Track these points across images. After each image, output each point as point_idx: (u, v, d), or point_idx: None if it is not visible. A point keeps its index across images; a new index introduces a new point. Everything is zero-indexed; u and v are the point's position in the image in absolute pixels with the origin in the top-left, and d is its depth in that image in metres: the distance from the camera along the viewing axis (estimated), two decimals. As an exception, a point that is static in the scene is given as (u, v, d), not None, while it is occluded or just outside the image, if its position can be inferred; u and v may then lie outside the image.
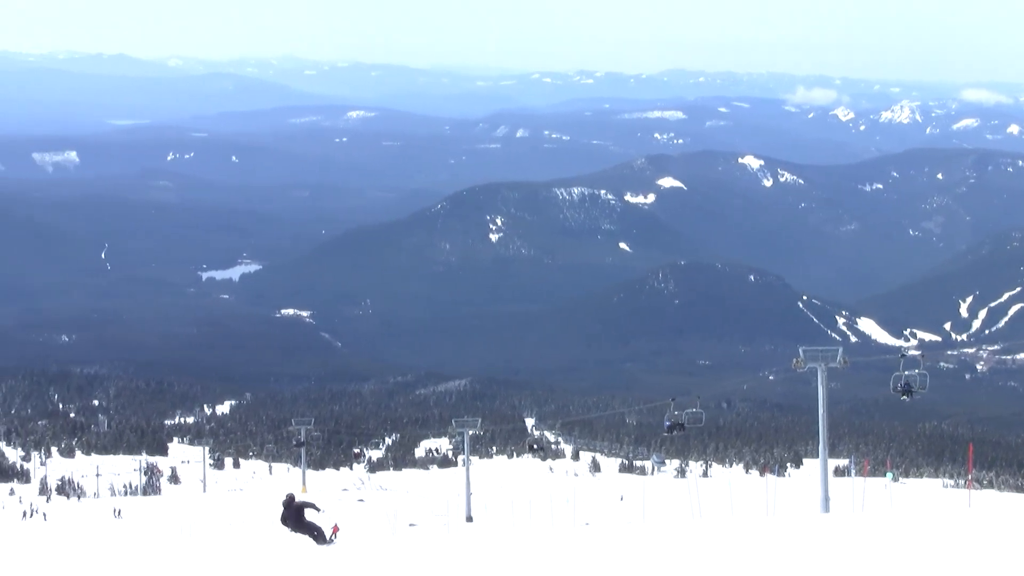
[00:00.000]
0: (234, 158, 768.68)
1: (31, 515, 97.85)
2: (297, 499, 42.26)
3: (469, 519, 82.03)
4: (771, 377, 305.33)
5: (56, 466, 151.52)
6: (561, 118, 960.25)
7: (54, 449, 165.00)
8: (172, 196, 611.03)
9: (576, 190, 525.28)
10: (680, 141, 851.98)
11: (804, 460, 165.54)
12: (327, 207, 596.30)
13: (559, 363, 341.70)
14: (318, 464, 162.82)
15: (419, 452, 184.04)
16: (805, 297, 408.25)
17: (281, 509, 42.43)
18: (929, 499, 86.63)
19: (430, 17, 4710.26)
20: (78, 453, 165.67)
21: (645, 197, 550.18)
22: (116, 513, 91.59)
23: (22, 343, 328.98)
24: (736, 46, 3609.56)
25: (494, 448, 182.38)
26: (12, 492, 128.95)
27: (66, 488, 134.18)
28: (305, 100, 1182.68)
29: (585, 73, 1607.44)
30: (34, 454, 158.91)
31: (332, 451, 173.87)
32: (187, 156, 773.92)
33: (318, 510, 43.00)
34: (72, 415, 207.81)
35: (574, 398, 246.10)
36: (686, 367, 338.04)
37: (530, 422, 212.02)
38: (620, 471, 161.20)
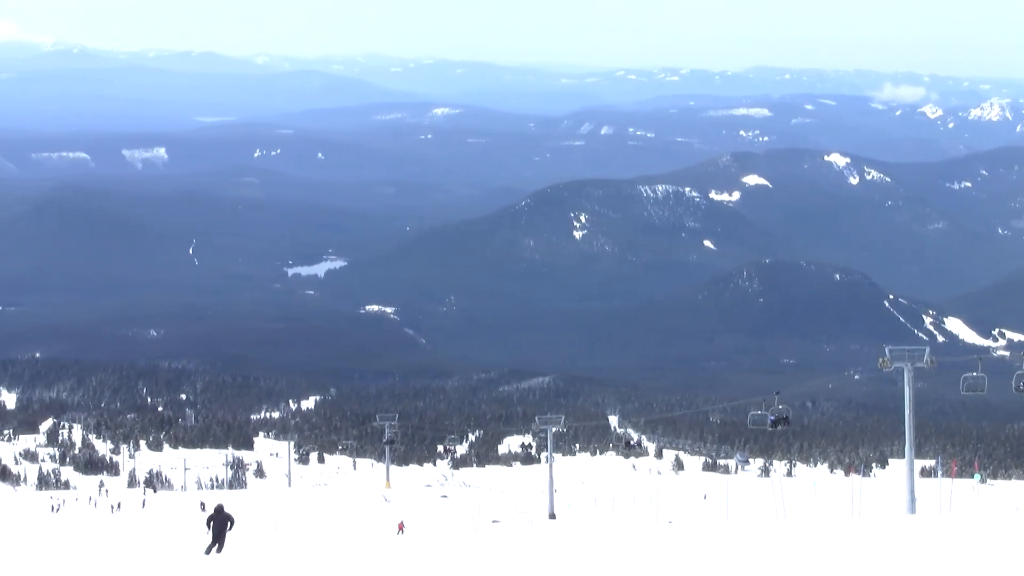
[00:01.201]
0: (320, 155, 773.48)
1: (116, 509, 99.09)
2: (225, 511, 45.65)
3: (552, 516, 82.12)
4: (856, 376, 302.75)
5: (144, 459, 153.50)
6: (646, 115, 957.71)
7: (142, 442, 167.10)
8: (259, 193, 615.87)
9: (660, 187, 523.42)
10: (765, 139, 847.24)
11: (890, 461, 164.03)
12: (411, 204, 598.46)
13: (642, 361, 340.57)
14: (402, 460, 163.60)
15: (502, 449, 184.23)
16: (891, 296, 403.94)
17: (211, 512, 45.99)
18: (1018, 501, 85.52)
19: (516, 14, 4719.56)
20: (166, 447, 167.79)
21: (730, 195, 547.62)
22: (202, 507, 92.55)
23: (112, 338, 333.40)
24: (823, 43, 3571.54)
25: (577, 445, 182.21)
26: (102, 484, 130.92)
27: (154, 481, 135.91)
28: (390, 97, 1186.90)
29: (670, 70, 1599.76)
30: (123, 447, 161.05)
31: (416, 447, 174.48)
32: (274, 153, 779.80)
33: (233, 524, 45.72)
34: (160, 409, 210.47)
35: (657, 396, 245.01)
36: (770, 366, 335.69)
37: (613, 420, 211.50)
38: (703, 469, 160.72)
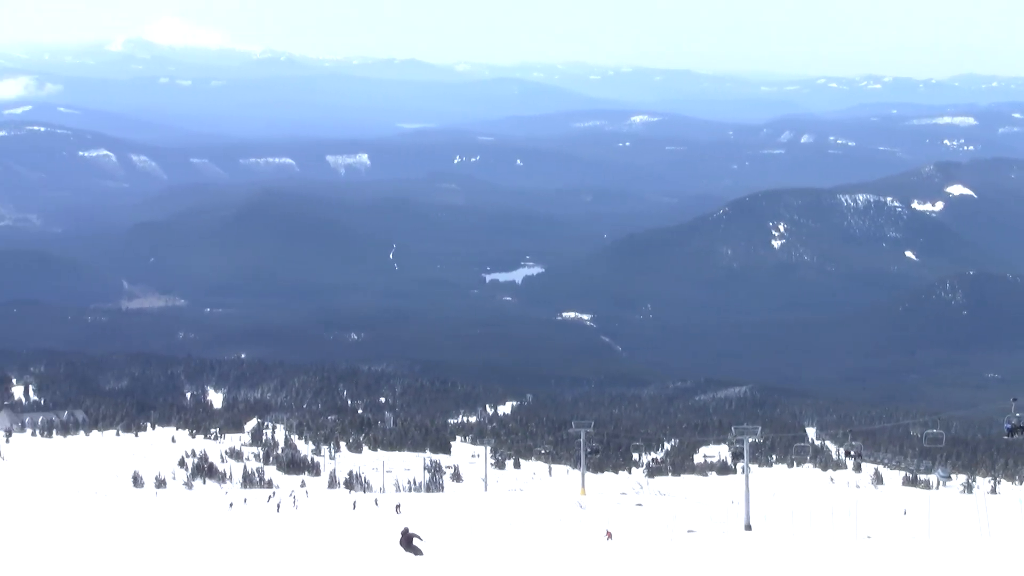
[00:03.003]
0: (519, 161, 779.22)
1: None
2: (410, 531, 50.69)
3: (748, 527, 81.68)
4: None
5: (344, 460, 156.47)
6: (847, 124, 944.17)
7: (343, 444, 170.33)
8: (458, 199, 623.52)
9: (861, 197, 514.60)
10: (970, 148, 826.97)
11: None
12: (609, 211, 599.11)
13: (841, 372, 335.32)
14: (597, 467, 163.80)
15: (697, 458, 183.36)
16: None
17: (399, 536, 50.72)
18: None
19: (717, 23, 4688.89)
20: (365, 448, 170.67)
21: (933, 205, 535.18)
22: (396, 509, 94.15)
23: (314, 340, 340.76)
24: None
25: (774, 456, 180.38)
26: (303, 484, 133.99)
27: (353, 482, 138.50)
28: (589, 104, 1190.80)
29: (873, 78, 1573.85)
30: (324, 448, 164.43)
31: (611, 455, 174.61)
32: (473, 159, 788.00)
33: (421, 539, 50.34)
34: (360, 411, 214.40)
35: (856, 408, 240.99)
36: (974, 380, 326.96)
37: (811, 431, 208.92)
38: (903, 484, 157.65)
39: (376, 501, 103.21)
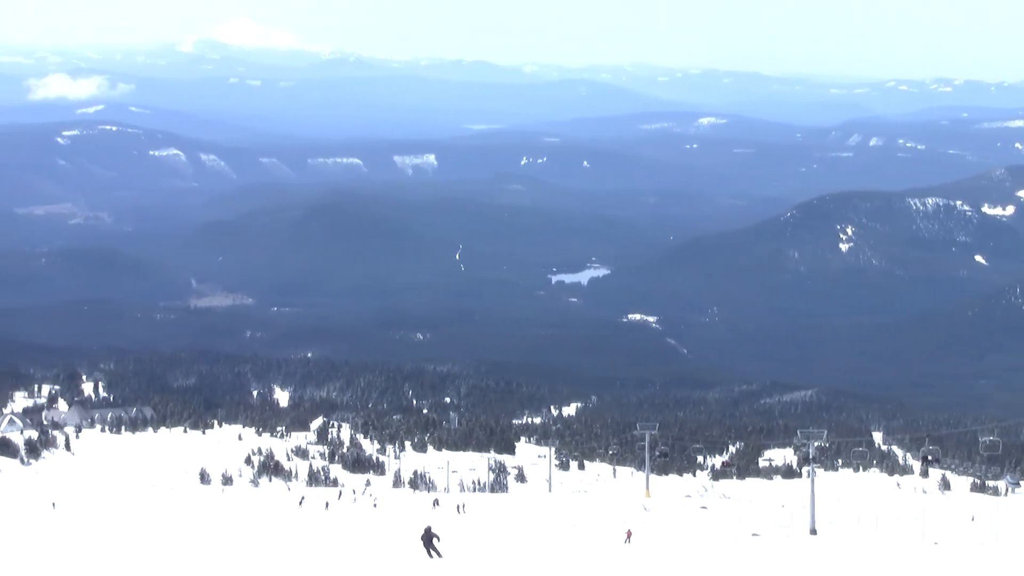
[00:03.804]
0: (585, 163, 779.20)
1: (372, 502, 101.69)
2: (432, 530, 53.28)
3: (813, 532, 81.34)
4: None
5: (409, 460, 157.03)
6: (916, 127, 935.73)
7: (407, 443, 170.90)
8: (524, 199, 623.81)
9: (931, 200, 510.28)
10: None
11: None
12: (675, 213, 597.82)
13: (908, 377, 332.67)
14: (661, 470, 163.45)
15: (762, 461, 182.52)
16: None
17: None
18: None
19: (785, 25, 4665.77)
20: (430, 448, 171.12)
21: (1003, 209, 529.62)
22: (459, 509, 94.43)
23: (380, 340, 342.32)
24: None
25: (839, 461, 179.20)
26: (368, 483, 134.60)
27: (418, 482, 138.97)
28: (657, 106, 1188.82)
29: (943, 81, 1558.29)
30: (389, 447, 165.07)
31: (676, 457, 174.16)
32: (540, 161, 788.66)
33: (440, 540, 53.03)
34: (425, 411, 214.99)
35: (923, 413, 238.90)
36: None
37: (878, 436, 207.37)
38: (971, 490, 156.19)
39: (436, 501, 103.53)
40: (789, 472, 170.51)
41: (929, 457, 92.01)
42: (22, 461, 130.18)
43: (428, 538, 51.58)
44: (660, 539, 67.07)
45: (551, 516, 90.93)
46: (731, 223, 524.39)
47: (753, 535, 74.69)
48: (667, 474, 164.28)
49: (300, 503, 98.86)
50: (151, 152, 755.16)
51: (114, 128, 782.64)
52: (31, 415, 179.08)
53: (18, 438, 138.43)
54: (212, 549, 54.47)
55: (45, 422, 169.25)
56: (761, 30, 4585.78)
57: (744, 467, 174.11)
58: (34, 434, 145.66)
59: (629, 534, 68.02)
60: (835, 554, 39.51)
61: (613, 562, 44.30)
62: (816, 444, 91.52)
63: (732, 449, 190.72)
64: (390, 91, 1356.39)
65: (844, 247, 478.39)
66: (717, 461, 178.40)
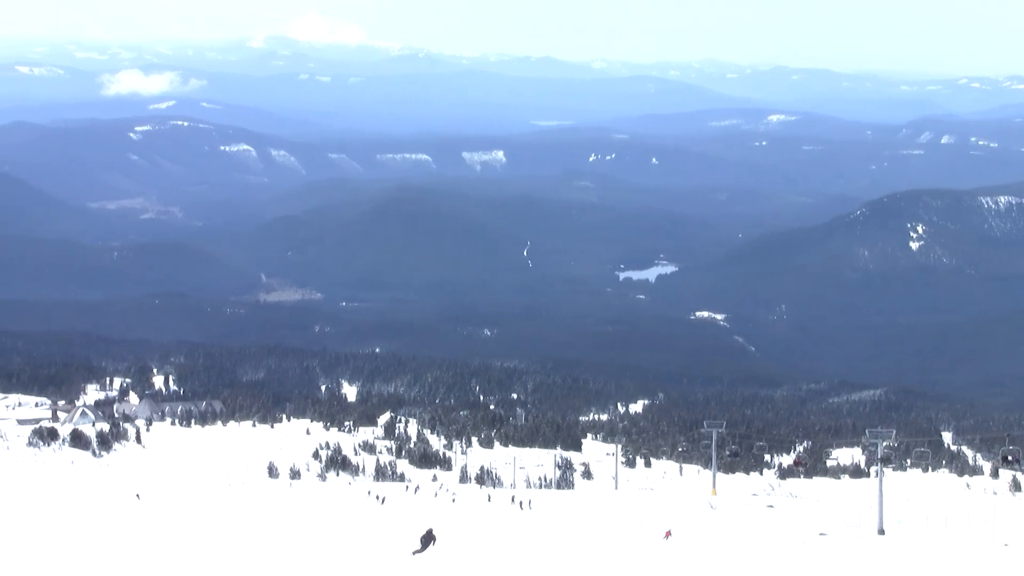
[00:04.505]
0: (654, 160, 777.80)
1: (446, 496, 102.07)
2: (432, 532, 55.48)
3: (881, 532, 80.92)
4: None
5: (476, 456, 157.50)
6: (989, 124, 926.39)
7: (474, 439, 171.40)
8: (593, 196, 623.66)
9: (1003, 199, 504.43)
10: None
11: None
12: (744, 211, 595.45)
13: (978, 377, 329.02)
14: (728, 468, 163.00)
15: (830, 461, 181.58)
16: None
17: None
18: None
19: (855, 21, 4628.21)
20: (496, 444, 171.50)
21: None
22: (521, 505, 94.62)
23: (448, 335, 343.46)
24: None
25: (908, 461, 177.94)
26: (435, 478, 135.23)
27: (484, 478, 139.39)
28: (726, 103, 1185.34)
29: (1016, 78, 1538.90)
30: (455, 443, 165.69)
31: (743, 456, 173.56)
32: (608, 157, 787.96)
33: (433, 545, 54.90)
34: (492, 407, 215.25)
35: (994, 413, 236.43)
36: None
37: (947, 436, 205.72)
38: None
39: (489, 497, 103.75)
40: (857, 472, 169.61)
41: (1009, 457, 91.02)
42: (94, 453, 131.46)
43: (427, 539, 52.82)
44: (726, 537, 67.04)
45: (617, 513, 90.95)
46: (800, 221, 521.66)
47: (820, 534, 74.47)
48: (734, 472, 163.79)
49: (382, 502, 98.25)
50: (222, 147, 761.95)
51: (185, 123, 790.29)
52: (103, 408, 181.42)
53: (90, 431, 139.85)
54: (299, 546, 55.06)
55: (116, 415, 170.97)
56: (831, 27, 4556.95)
57: (811, 466, 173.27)
58: (105, 427, 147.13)
59: (668, 533, 68.18)
60: (903, 554, 39.43)
61: (676, 558, 44.38)
62: (884, 444, 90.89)
63: (800, 448, 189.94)
64: (459, 87, 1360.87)
65: (914, 245, 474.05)
66: (784, 460, 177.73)
